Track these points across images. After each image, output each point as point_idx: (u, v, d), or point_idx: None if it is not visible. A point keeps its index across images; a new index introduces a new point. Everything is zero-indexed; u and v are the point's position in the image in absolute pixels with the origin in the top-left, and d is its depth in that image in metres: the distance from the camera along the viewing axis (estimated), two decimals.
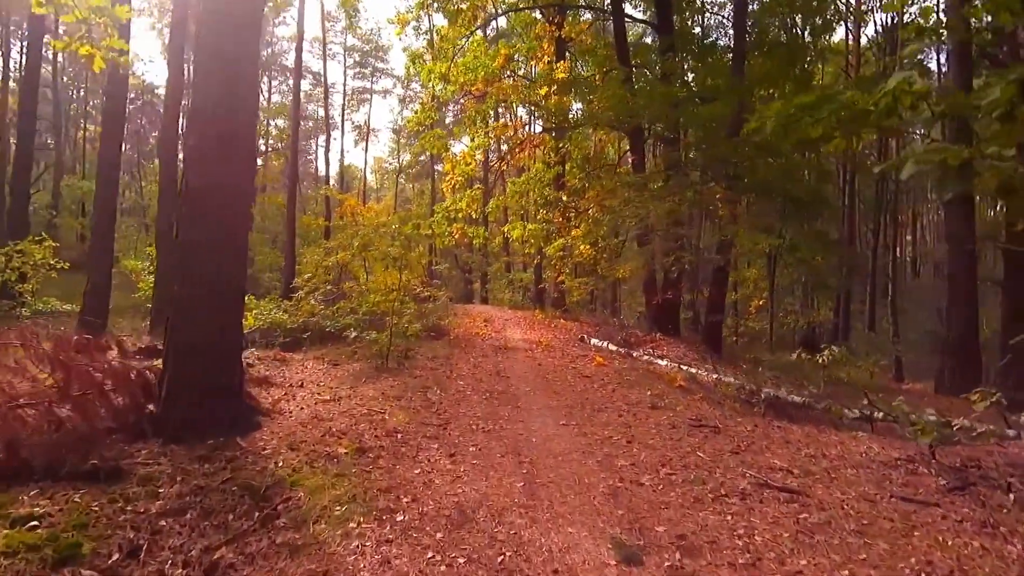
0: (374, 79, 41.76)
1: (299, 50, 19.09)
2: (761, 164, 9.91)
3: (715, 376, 8.91)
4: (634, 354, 10.70)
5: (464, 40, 16.72)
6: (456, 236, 14.46)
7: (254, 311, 9.56)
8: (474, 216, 16.12)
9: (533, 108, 14.10)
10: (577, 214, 12.35)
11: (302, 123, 39.96)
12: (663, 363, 10.01)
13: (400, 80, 39.39)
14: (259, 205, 34.18)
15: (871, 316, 25.32)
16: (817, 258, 14.13)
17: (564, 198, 13.34)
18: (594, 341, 11.86)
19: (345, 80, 41.20)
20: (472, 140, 14.87)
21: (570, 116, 13.17)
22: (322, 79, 32.54)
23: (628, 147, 17.03)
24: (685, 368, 9.66)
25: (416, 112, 17.33)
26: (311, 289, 10.22)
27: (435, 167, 34.24)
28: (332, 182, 40.43)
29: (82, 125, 34.14)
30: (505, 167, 18.34)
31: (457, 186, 14.51)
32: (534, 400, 6.46)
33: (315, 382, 6.74)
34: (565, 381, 7.60)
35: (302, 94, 39.72)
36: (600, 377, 7.96)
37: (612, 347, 11.31)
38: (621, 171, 12.09)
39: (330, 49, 40.19)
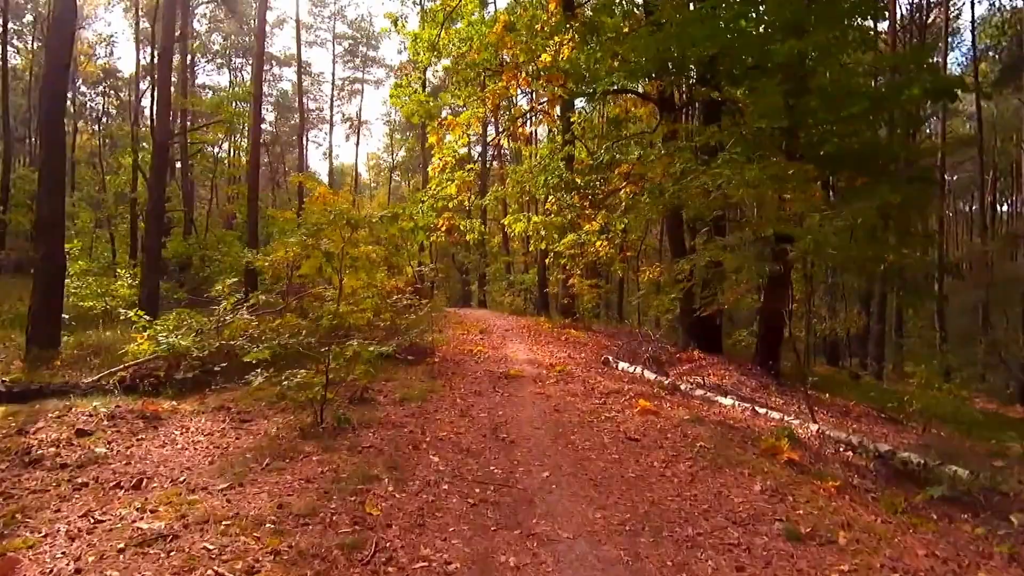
0: (366, 69, 38.95)
1: (262, 8, 16.18)
2: (865, 128, 7.05)
3: (815, 427, 6.05)
4: (682, 387, 7.87)
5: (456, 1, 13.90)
6: (443, 228, 11.56)
7: (148, 332, 6.64)
8: (466, 205, 13.25)
9: (538, 77, 11.23)
10: (603, 196, 9.44)
11: (292, 117, 37.00)
12: (727, 402, 7.19)
13: (393, 70, 36.68)
14: (235, 200, 31.16)
15: (898, 319, 22.73)
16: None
17: (579, 181, 10.46)
18: (622, 365, 9.07)
19: (334, 69, 38.51)
20: (463, 104, 11.98)
21: (585, 77, 10.27)
22: (305, 67, 29.52)
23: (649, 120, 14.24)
24: (762, 411, 6.81)
25: (399, 84, 14.53)
26: (235, 298, 7.27)
27: (428, 162, 31.36)
28: (325, 177, 37.64)
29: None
30: (505, 142, 15.46)
31: (446, 167, 11.62)
32: (560, 508, 3.60)
33: (175, 470, 3.84)
34: (603, 451, 4.73)
35: (290, 85, 36.89)
36: (656, 440, 5.08)
37: (648, 374, 8.56)
38: (663, 145, 9.14)
39: (317, 36, 37.46)
